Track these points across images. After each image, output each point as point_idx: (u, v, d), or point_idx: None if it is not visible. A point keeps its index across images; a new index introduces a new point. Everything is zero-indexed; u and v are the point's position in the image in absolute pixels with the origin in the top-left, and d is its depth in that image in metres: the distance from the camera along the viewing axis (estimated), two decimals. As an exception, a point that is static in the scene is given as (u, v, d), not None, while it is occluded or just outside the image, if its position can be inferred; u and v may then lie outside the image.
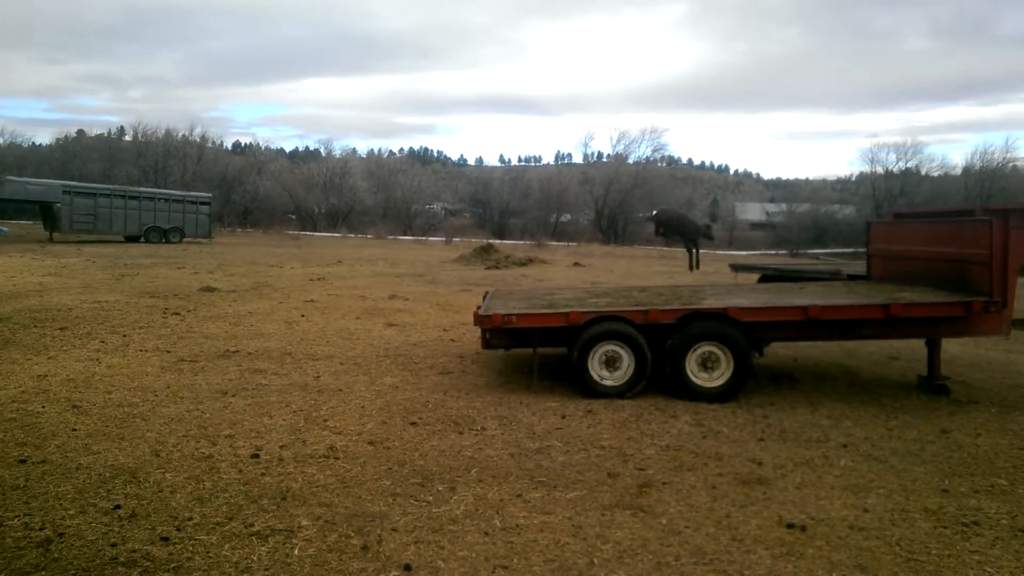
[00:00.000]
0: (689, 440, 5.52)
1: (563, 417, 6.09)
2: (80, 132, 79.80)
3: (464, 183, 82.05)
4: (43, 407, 5.95)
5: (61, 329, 9.58)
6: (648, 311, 6.83)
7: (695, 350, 6.72)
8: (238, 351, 8.60)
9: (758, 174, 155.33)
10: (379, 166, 72.87)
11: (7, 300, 11.98)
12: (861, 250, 10.05)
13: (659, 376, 6.79)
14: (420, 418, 6.01)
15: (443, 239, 47.35)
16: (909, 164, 59.89)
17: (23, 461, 4.72)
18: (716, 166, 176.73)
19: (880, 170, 60.59)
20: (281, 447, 5.17)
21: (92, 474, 4.52)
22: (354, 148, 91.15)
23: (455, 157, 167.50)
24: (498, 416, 6.10)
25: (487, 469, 4.81)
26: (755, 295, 8.03)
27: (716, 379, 6.70)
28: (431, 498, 4.29)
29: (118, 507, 4.03)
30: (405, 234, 55.18)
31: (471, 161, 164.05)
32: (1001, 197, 47.42)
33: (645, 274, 22.62)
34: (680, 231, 8.37)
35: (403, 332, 10.42)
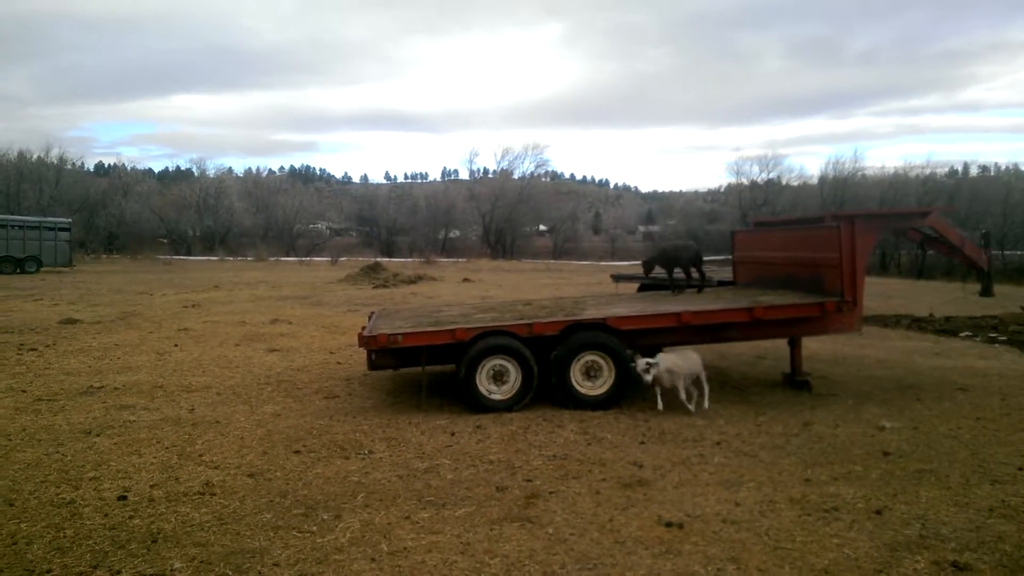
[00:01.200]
0: (575, 448, 5.67)
1: (452, 434, 6.09)
2: (-85, 154, 71.55)
3: (349, 201, 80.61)
4: None
5: None
6: (532, 324, 6.98)
7: (579, 360, 6.93)
8: (103, 387, 7.98)
9: (636, 187, 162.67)
10: (258, 185, 70.20)
11: None
12: (729, 257, 10.75)
13: (546, 387, 6.94)
14: (304, 446, 5.82)
15: (329, 259, 46.16)
16: (771, 175, 64.83)
17: None
18: (597, 180, 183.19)
19: (745, 181, 65.19)
20: (152, 486, 4.85)
21: (-75, 535, 4.05)
22: (230, 167, 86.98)
23: (339, 175, 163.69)
24: (386, 438, 6.01)
25: (374, 493, 4.73)
26: (633, 304, 8.38)
27: (599, 387, 6.93)
28: (315, 528, 4.17)
29: (-41, 568, 3.63)
30: (288, 255, 53.31)
31: (356, 179, 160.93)
32: (853, 203, 52.16)
33: (532, 287, 23.05)
34: (675, 261, 8.88)
35: (286, 357, 10.06)
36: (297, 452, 5.64)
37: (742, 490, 4.74)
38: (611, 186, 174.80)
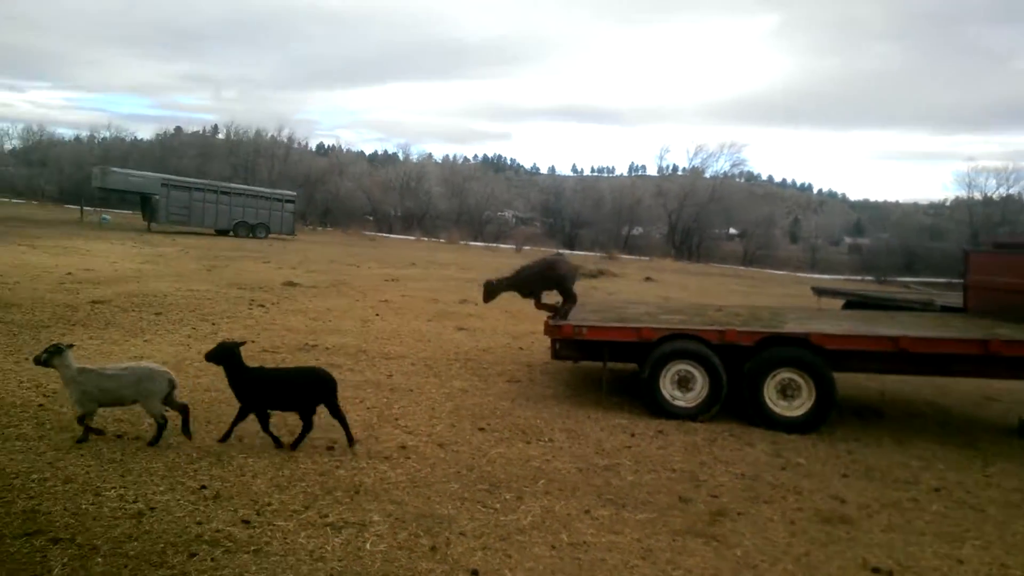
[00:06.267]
0: (766, 470, 5.32)
1: (632, 435, 5.99)
2: (178, 129, 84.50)
3: (536, 191, 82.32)
4: (136, 387, 6.27)
5: (156, 314, 10.12)
6: (725, 331, 6.65)
7: (774, 376, 6.49)
8: (316, 345, 8.86)
9: (844, 194, 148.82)
10: (454, 172, 73.94)
11: (109, 284, 12.76)
12: (956, 280, 9.50)
13: (735, 400, 6.59)
14: (488, 424, 6.04)
15: (513, 246, 47.59)
16: (1011, 190, 56.40)
17: (120, 436, 5.01)
18: (799, 184, 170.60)
19: (978, 195, 57.31)
20: (355, 442, 5.28)
21: (181, 454, 4.74)
22: (430, 153, 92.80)
23: (528, 165, 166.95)
24: (566, 429, 6.05)
25: (554, 481, 4.78)
26: (840, 322, 7.70)
27: (796, 408, 6.44)
28: (498, 506, 4.29)
29: (204, 487, 4.21)
30: (476, 240, 55.72)
31: (544, 170, 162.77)
32: (1113, 232, 43.95)
33: (720, 293, 22.07)
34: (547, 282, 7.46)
35: (473, 337, 10.50)
36: (482, 429, 5.86)
37: (966, 547, 4.16)
38: (814, 191, 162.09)
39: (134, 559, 3.35)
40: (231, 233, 33.92)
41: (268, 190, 39.42)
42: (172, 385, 4.95)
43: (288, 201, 37.35)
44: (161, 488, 4.16)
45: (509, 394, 7.18)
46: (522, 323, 12.24)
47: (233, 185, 38.74)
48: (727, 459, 5.51)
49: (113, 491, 4.07)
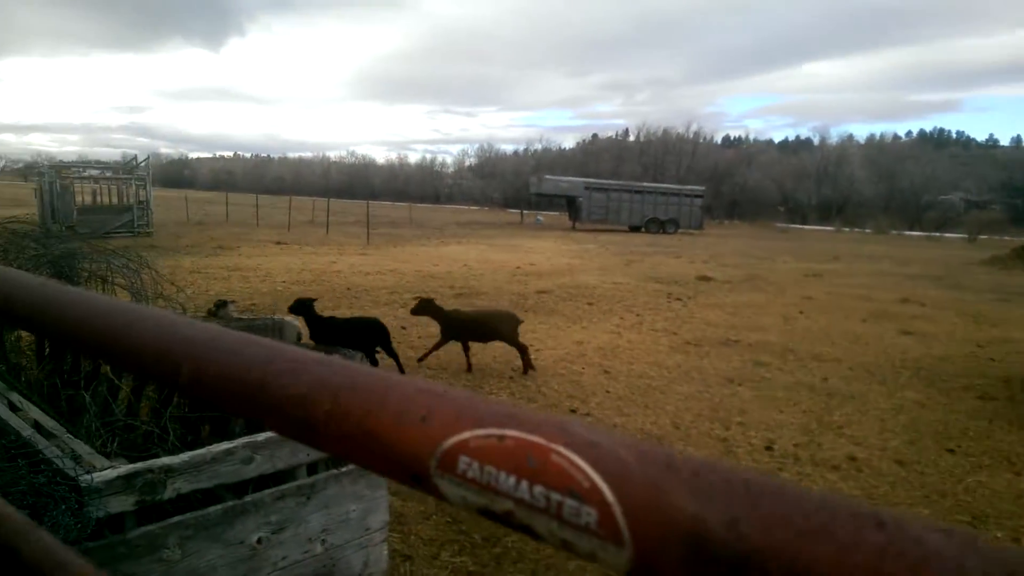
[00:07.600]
0: None
1: None
2: (594, 136, 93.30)
3: (994, 168, 67.80)
4: (582, 369, 6.99)
5: (589, 304, 11.19)
6: None
7: None
8: (738, 341, 8.68)
9: None
10: (881, 152, 65.66)
11: (548, 276, 14.61)
12: None
13: None
14: (958, 446, 5.09)
15: (964, 236, 39.91)
16: None
17: (573, 411, 5.62)
18: None
19: None
20: (795, 445, 4.98)
21: (627, 433, 5.08)
22: (851, 134, 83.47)
23: (981, 138, 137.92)
24: (1078, 465, 4.73)
25: (1070, 530, 3.76)
26: None
27: None
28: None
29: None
30: (912, 229, 48.41)
31: (1004, 141, 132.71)
32: None
33: None
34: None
35: (922, 342, 9.04)
36: (951, 451, 4.96)
37: None
38: None
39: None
40: (643, 229, 35.90)
41: (676, 186, 40.64)
42: (300, 337, 5.86)
43: (696, 196, 37.92)
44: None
45: (983, 413, 5.95)
46: (990, 328, 10.14)
47: (644, 184, 40.95)
48: None
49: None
